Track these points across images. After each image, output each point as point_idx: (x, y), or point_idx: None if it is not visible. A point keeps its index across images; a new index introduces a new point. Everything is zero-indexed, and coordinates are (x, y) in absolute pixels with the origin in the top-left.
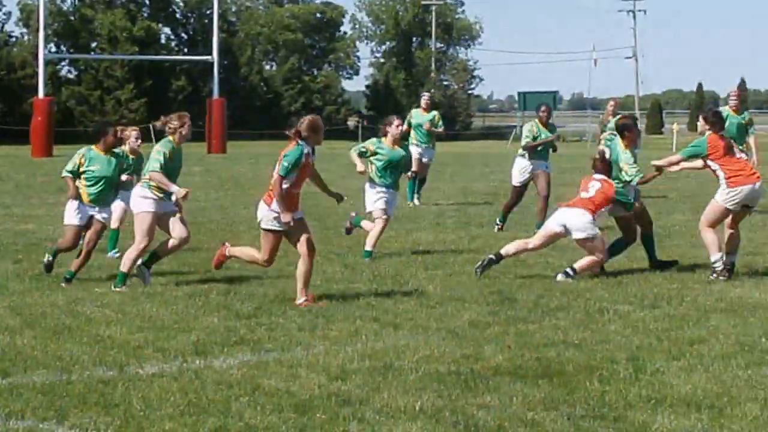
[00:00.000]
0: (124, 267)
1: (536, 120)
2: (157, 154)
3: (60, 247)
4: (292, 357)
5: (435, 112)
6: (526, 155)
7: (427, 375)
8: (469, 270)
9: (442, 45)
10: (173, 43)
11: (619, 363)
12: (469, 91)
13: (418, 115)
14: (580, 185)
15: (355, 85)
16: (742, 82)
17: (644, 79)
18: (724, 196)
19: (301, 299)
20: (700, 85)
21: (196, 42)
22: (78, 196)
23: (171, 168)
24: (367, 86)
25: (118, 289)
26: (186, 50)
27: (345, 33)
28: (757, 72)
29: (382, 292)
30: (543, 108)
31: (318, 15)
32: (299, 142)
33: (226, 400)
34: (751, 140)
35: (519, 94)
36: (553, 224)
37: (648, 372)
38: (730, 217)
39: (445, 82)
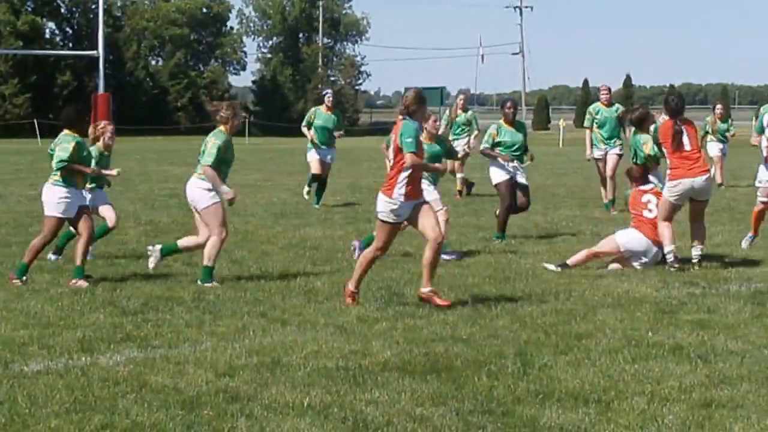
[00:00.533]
0: (209, 262)
1: (501, 121)
2: (212, 147)
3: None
4: (179, 353)
5: (339, 112)
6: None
7: (315, 371)
8: None
9: (330, 41)
10: (58, 38)
11: (507, 358)
12: (357, 87)
13: (322, 115)
14: (628, 202)
15: (242, 81)
16: (628, 78)
17: (531, 75)
18: (666, 189)
19: (426, 289)
20: (586, 81)
21: (81, 37)
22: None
23: (224, 160)
24: (254, 82)
25: (208, 285)
26: (71, 45)
27: (231, 28)
28: (642, 68)
29: (269, 287)
30: (508, 104)
31: (204, 10)
32: (406, 118)
33: (112, 398)
34: (625, 134)
35: (406, 89)
36: (622, 241)
37: (536, 367)
38: (690, 210)
39: (333, 78)
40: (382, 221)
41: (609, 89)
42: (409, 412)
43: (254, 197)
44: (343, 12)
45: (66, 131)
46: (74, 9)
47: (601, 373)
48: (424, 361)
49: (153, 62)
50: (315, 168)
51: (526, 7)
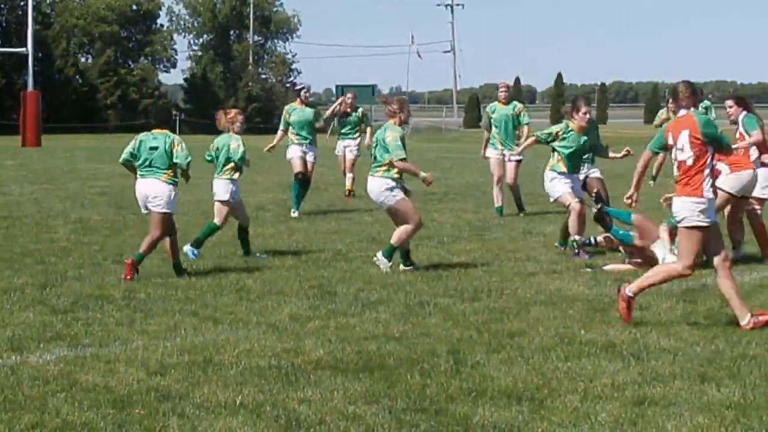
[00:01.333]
0: (396, 243)
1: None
2: (394, 140)
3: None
4: (110, 352)
5: (313, 109)
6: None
7: (247, 369)
8: (289, 263)
9: (260, 38)
10: None
11: (440, 356)
12: (288, 85)
13: (297, 110)
14: None
15: (173, 78)
16: (559, 77)
17: (462, 73)
18: None
19: (745, 319)
20: (517, 80)
21: (9, 34)
22: None
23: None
24: (185, 79)
25: (383, 263)
26: None
27: (162, 25)
28: (574, 67)
29: (201, 286)
30: (502, 86)
31: (134, 7)
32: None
33: (42, 396)
34: (524, 130)
35: (337, 86)
36: None
37: (468, 365)
38: None
39: (264, 76)
40: (692, 227)
41: (508, 87)
42: (342, 410)
43: (185, 195)
44: (274, 9)
45: (161, 130)
46: (2, 6)
47: (533, 371)
48: (356, 359)
49: (82, 60)
50: (297, 166)
51: (458, 4)
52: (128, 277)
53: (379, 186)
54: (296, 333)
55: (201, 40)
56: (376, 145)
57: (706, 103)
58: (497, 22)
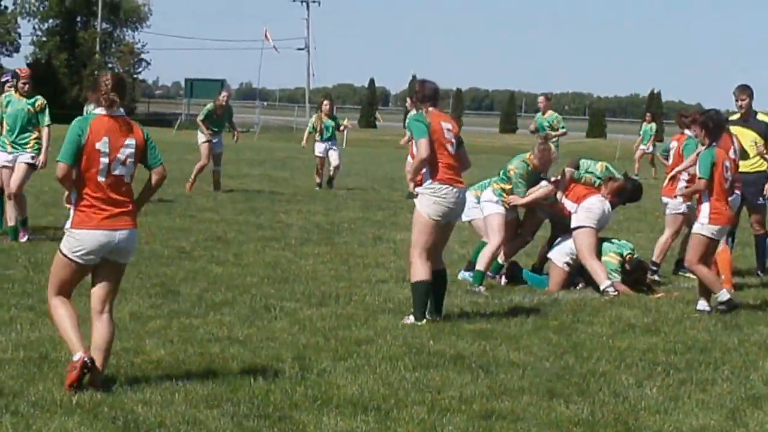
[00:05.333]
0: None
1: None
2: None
3: None
4: None
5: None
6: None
7: None
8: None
9: (108, 26)
10: None
11: (285, 361)
12: (135, 76)
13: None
14: None
15: (15, 63)
16: (414, 79)
17: (316, 72)
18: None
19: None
20: (372, 81)
21: None
22: None
23: None
24: (28, 65)
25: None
26: None
27: (6, 8)
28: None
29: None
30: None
31: None
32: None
33: None
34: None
35: (186, 80)
36: None
37: (314, 372)
38: None
39: (110, 65)
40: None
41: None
42: (183, 413)
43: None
44: None
45: None
46: None
47: (380, 381)
48: (199, 361)
49: None
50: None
51: (314, 1)
52: None
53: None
54: (137, 332)
55: (46, 25)
56: None
57: (554, 115)
58: (354, 21)
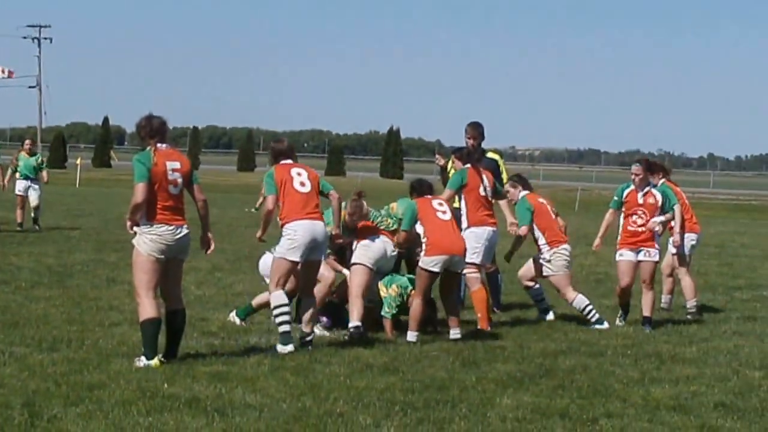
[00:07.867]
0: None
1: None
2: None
3: None
4: None
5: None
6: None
7: None
8: None
9: None
10: None
11: (14, 408)
12: None
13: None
14: None
15: None
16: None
17: (48, 110)
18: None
19: None
20: (106, 119)
21: None
22: None
23: None
24: None
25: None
26: None
27: None
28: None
29: None
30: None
31: None
32: None
33: None
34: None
35: None
36: None
37: (45, 418)
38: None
39: None
40: None
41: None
42: None
43: None
44: None
45: None
46: None
47: (113, 426)
48: None
49: None
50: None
51: (46, 38)
52: None
53: None
54: None
55: None
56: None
57: None
58: (88, 59)
